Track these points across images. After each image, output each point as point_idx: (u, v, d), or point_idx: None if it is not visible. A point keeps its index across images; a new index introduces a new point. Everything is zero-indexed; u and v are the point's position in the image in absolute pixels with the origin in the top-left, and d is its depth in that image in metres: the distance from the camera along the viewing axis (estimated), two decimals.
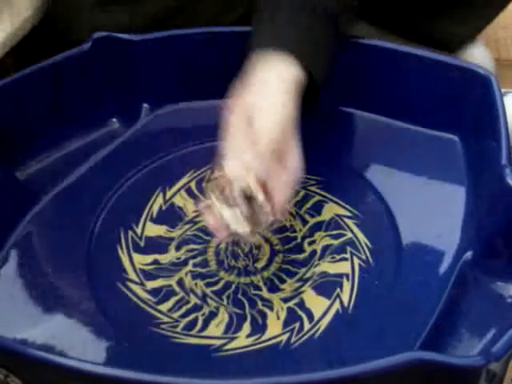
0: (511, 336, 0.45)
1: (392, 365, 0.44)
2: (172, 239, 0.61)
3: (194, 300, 0.56)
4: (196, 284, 0.57)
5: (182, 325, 0.55)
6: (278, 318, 0.55)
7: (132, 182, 0.65)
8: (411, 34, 0.76)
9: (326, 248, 0.59)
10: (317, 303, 0.56)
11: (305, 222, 0.61)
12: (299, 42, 0.58)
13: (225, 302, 0.56)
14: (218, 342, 0.54)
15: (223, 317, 0.55)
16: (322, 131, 0.69)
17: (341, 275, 0.58)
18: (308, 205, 0.63)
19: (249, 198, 0.53)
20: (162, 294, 0.57)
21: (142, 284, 0.57)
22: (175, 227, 0.61)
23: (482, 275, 0.55)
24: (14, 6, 0.68)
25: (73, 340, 0.54)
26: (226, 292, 0.57)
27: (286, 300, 0.56)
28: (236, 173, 0.53)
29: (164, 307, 0.56)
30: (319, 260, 0.59)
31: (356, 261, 0.58)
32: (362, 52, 0.67)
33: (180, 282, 0.58)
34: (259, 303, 0.56)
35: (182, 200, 0.64)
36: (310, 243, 0.60)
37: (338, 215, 0.62)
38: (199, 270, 0.58)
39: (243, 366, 0.53)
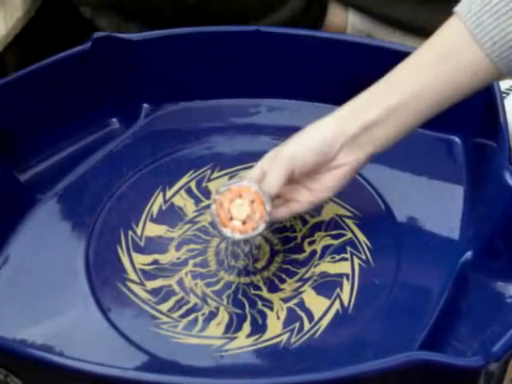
0: (511, 336, 0.45)
1: (392, 365, 0.44)
2: (172, 239, 0.61)
3: (193, 300, 0.56)
4: (196, 284, 0.57)
5: (182, 325, 0.55)
6: (278, 317, 0.55)
7: (132, 182, 0.65)
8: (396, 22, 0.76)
9: (326, 248, 0.59)
10: (317, 303, 0.56)
11: (305, 222, 0.61)
12: None
13: (225, 302, 0.56)
14: (218, 342, 0.54)
15: (223, 317, 0.55)
16: None
17: (341, 275, 0.58)
18: None
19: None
20: (162, 294, 0.57)
21: (142, 284, 0.57)
22: (175, 227, 0.61)
23: (482, 275, 0.55)
24: (9, 6, 0.68)
25: (73, 340, 0.54)
26: (226, 292, 0.57)
27: (286, 300, 0.56)
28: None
29: (164, 307, 0.56)
30: (319, 260, 0.59)
31: (356, 261, 0.58)
32: (362, 52, 0.67)
33: (180, 282, 0.58)
34: (259, 303, 0.56)
35: (181, 200, 0.64)
36: (310, 243, 0.60)
37: (338, 215, 0.62)
38: (199, 269, 0.58)
39: (243, 366, 0.53)
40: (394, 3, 0.75)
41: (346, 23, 0.78)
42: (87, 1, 0.74)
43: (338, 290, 0.57)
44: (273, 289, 0.57)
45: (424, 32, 0.73)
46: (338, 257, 0.59)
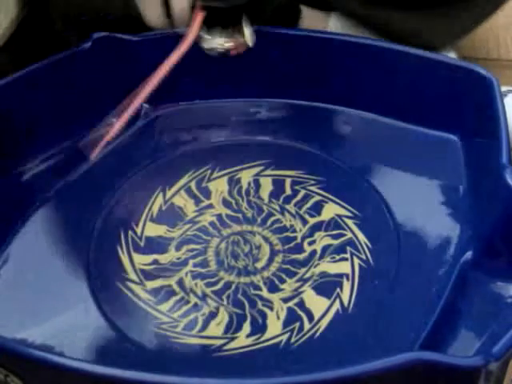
0: (511, 336, 0.45)
1: (392, 365, 0.44)
2: (172, 239, 0.61)
3: (193, 300, 0.56)
4: (196, 284, 0.57)
5: (181, 325, 0.55)
6: (278, 317, 0.55)
7: (132, 182, 0.65)
8: (387, 29, 0.75)
9: (326, 248, 0.59)
10: (317, 303, 0.56)
11: (305, 221, 0.61)
12: None
13: (225, 302, 0.56)
14: (217, 342, 0.54)
15: (223, 317, 0.55)
16: (322, 131, 0.70)
17: (341, 275, 0.58)
18: (308, 205, 0.63)
19: None
20: (162, 294, 0.57)
21: (142, 284, 0.57)
22: (175, 227, 0.62)
23: (482, 275, 0.55)
24: (3, 6, 0.68)
25: (73, 340, 0.54)
26: (226, 292, 0.57)
27: (285, 300, 0.56)
28: None
29: (164, 307, 0.56)
30: (319, 260, 0.59)
31: (356, 261, 0.58)
32: (362, 52, 0.67)
33: (180, 282, 0.58)
34: (259, 303, 0.56)
35: (182, 200, 0.64)
36: (310, 243, 0.60)
37: (338, 215, 0.62)
38: (199, 269, 0.58)
39: (243, 366, 0.53)
40: (381, 9, 0.74)
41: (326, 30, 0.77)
42: (59, 14, 0.74)
43: (338, 290, 0.57)
44: (273, 289, 0.57)
45: (411, 41, 0.72)
46: (337, 257, 0.59)
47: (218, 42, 0.58)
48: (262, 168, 0.66)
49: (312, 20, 0.77)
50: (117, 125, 0.55)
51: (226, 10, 0.57)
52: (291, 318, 0.55)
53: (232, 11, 0.57)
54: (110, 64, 0.68)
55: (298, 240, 0.60)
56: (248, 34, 0.58)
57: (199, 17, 0.56)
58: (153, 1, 0.56)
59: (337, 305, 0.56)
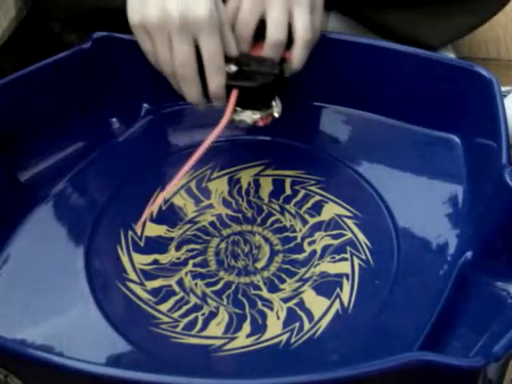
0: (511, 336, 0.45)
1: (391, 365, 0.44)
2: (172, 239, 0.61)
3: (193, 300, 0.56)
4: (196, 284, 0.57)
5: (181, 325, 0.55)
6: (278, 318, 0.55)
7: (132, 182, 0.65)
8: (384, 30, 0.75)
9: (326, 248, 0.59)
10: (317, 303, 0.56)
11: (305, 221, 0.61)
12: None
13: (225, 302, 0.56)
14: (217, 342, 0.54)
15: (223, 317, 0.55)
16: (322, 131, 0.70)
17: (341, 275, 0.58)
18: (308, 205, 0.63)
19: None
20: (162, 294, 0.57)
21: (142, 284, 0.57)
22: (175, 227, 0.61)
23: (481, 275, 0.55)
24: (1, 6, 0.68)
25: (73, 340, 0.54)
26: (226, 292, 0.57)
27: (285, 300, 0.56)
28: None
29: (164, 307, 0.56)
30: (319, 260, 0.59)
31: (356, 261, 0.58)
32: (363, 52, 0.67)
33: (180, 282, 0.58)
34: (259, 303, 0.56)
35: (182, 200, 0.64)
36: (310, 243, 0.60)
37: (338, 215, 0.62)
38: (199, 269, 0.58)
39: (243, 366, 0.53)
40: (380, 8, 0.74)
41: (326, 29, 0.77)
42: (57, 16, 0.74)
43: (338, 290, 0.57)
44: (273, 289, 0.57)
45: (410, 40, 0.72)
46: (338, 257, 0.59)
47: (246, 115, 0.61)
48: (261, 168, 0.66)
49: None
50: (159, 198, 0.59)
51: (254, 89, 0.60)
52: (291, 318, 0.55)
53: (260, 90, 0.60)
54: (109, 64, 0.68)
55: (298, 240, 0.60)
56: (275, 106, 0.62)
57: (234, 93, 0.59)
58: (191, 81, 0.59)
59: (337, 305, 0.56)
